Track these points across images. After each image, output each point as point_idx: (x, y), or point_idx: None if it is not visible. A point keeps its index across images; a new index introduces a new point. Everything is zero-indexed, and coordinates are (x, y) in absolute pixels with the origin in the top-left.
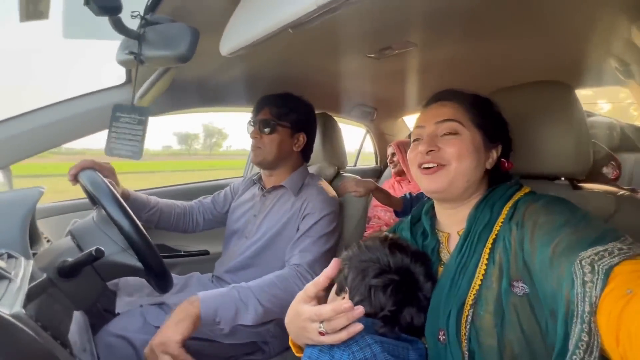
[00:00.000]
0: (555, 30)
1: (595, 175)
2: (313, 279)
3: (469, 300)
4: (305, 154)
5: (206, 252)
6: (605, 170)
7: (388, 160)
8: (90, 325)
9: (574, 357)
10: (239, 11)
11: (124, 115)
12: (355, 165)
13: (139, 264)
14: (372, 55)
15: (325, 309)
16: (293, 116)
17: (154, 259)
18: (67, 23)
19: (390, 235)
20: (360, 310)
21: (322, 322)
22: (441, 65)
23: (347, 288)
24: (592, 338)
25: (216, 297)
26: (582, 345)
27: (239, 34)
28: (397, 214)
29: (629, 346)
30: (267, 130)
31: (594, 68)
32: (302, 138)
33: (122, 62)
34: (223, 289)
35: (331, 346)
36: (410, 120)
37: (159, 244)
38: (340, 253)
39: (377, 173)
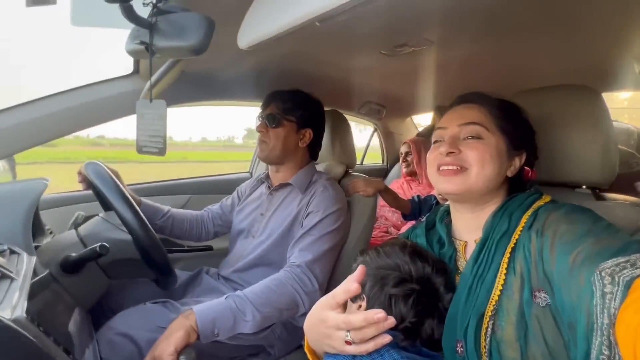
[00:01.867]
0: (580, 32)
1: (625, 186)
2: (311, 282)
3: (488, 311)
4: (313, 151)
5: (210, 248)
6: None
7: (401, 159)
8: (94, 324)
9: None
10: (259, 1)
11: (146, 112)
12: (361, 164)
13: (144, 265)
14: (386, 52)
15: (357, 318)
16: (300, 111)
17: (159, 255)
18: (75, 9)
19: (409, 241)
20: (392, 321)
21: (349, 330)
22: (456, 65)
23: (363, 296)
24: (613, 351)
25: (212, 308)
26: (604, 359)
27: (259, 26)
28: (404, 216)
29: None
30: (273, 124)
31: (617, 72)
32: (308, 134)
33: (132, 52)
34: (218, 300)
35: (353, 357)
36: (419, 119)
37: (163, 238)
38: (346, 253)
39: (384, 172)
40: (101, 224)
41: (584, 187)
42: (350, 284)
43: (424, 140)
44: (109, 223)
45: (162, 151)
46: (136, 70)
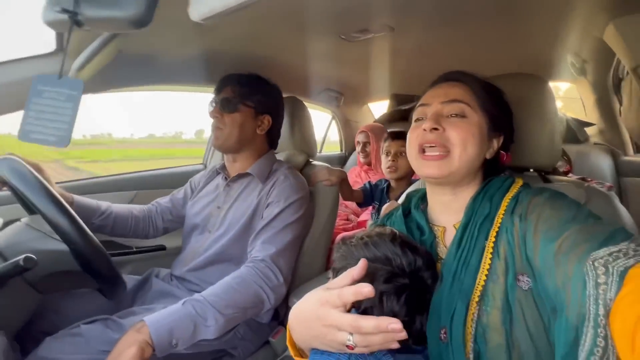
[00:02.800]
0: (527, 22)
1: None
2: (276, 275)
3: (475, 296)
4: (272, 140)
5: (162, 248)
6: (559, 163)
7: (359, 150)
8: (23, 352)
9: None
10: None
11: (48, 89)
12: (320, 152)
13: (83, 274)
14: (345, 37)
15: (367, 324)
16: (258, 96)
17: (101, 260)
18: None
19: (398, 231)
20: (404, 334)
21: (351, 333)
22: (412, 53)
23: None
24: (608, 342)
25: (167, 317)
26: (599, 351)
27: None
28: (359, 205)
29: None
30: (228, 109)
31: (557, 63)
32: (267, 120)
33: (52, 24)
34: (174, 307)
35: (348, 355)
36: (375, 107)
37: (106, 240)
38: (310, 243)
39: (342, 160)
40: (25, 232)
41: (531, 170)
42: (362, 287)
43: (381, 126)
44: (34, 230)
45: (62, 140)
46: (60, 48)
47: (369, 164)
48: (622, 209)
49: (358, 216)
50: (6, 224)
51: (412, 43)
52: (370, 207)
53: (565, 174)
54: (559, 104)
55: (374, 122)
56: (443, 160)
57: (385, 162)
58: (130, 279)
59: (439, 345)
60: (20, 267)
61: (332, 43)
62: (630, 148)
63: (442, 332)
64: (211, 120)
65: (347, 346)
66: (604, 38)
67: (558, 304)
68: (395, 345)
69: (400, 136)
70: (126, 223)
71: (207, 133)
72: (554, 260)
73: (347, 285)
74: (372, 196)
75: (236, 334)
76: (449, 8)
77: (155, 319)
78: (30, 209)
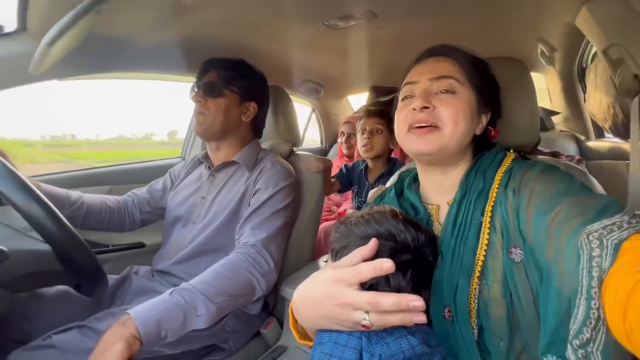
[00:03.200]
0: (507, 12)
1: None
2: (267, 261)
3: (476, 272)
4: (257, 128)
5: (141, 245)
6: None
7: (343, 140)
8: None
9: (581, 335)
10: None
11: None
12: (300, 145)
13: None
14: (329, 24)
15: (387, 301)
16: (243, 82)
17: (81, 252)
18: None
19: (397, 209)
20: (423, 318)
21: (367, 312)
22: (393, 43)
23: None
24: (601, 314)
25: (153, 308)
26: (591, 323)
27: None
28: (340, 192)
29: (636, 322)
30: (213, 93)
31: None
32: (252, 108)
33: None
34: (161, 297)
35: (360, 333)
36: (354, 100)
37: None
38: (299, 231)
39: (323, 153)
40: None
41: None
42: (384, 262)
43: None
44: (5, 226)
45: None
46: (22, 27)
47: (351, 156)
48: (597, 184)
49: (339, 206)
50: None
51: (394, 32)
52: (350, 194)
53: None
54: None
55: (354, 114)
56: (433, 133)
57: (360, 140)
58: (108, 279)
59: (443, 324)
60: None
61: (315, 30)
62: (592, 134)
63: (446, 310)
64: (186, 119)
65: (363, 325)
66: (576, 22)
67: (546, 275)
68: (412, 323)
69: (376, 114)
70: (99, 214)
71: (181, 134)
72: (547, 233)
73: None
74: (349, 180)
75: (225, 327)
76: None
77: (141, 311)
78: None
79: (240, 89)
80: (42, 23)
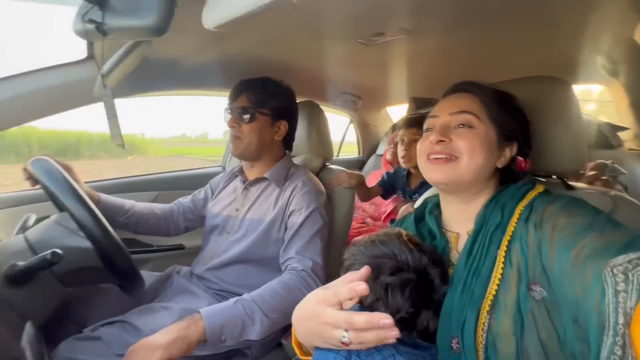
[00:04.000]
0: (551, 24)
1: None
2: (317, 283)
3: (486, 305)
4: (288, 143)
5: (181, 247)
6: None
7: (391, 146)
8: (51, 340)
9: None
10: None
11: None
12: (337, 156)
13: (105, 270)
14: (363, 41)
15: (359, 319)
16: (273, 103)
17: (122, 257)
18: None
19: (405, 230)
20: (396, 332)
21: (346, 330)
22: (431, 56)
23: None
24: (626, 352)
25: (220, 313)
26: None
27: (228, 3)
28: (384, 197)
29: None
30: (246, 118)
31: (585, 65)
32: (283, 126)
33: (81, 33)
34: (226, 304)
35: (349, 352)
36: (394, 110)
37: (128, 238)
38: (332, 247)
39: (360, 164)
40: (54, 228)
41: (554, 177)
42: (357, 284)
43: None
44: (63, 227)
45: (116, 139)
46: (90, 55)
47: (394, 164)
48: None
49: (375, 220)
50: (38, 220)
51: (431, 46)
52: (392, 201)
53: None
54: (592, 106)
55: (392, 127)
56: (449, 164)
57: (399, 150)
58: (151, 276)
59: (450, 355)
60: (47, 261)
61: (349, 47)
62: None
63: (453, 341)
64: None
65: (343, 343)
66: (636, 37)
67: (581, 314)
68: (391, 341)
69: (414, 124)
70: (148, 221)
71: None
72: (572, 269)
73: (360, 289)
74: (392, 186)
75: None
76: (468, 10)
77: (210, 314)
78: (60, 206)
79: (271, 109)
80: (105, 52)
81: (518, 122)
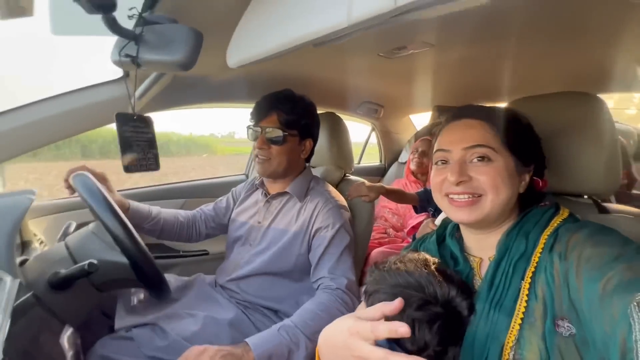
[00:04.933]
0: (580, 35)
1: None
2: (352, 300)
3: (509, 341)
4: (308, 157)
5: (206, 253)
6: None
7: (415, 156)
8: (89, 332)
9: None
10: (249, 17)
11: (128, 129)
12: (359, 163)
13: (135, 278)
14: (384, 55)
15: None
16: (301, 122)
17: (150, 268)
18: (55, 18)
19: (432, 258)
20: None
21: None
22: (455, 66)
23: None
24: None
25: (267, 342)
26: None
27: (249, 44)
28: (415, 209)
29: None
30: (277, 140)
31: (618, 74)
32: (308, 144)
33: (117, 63)
34: (270, 332)
35: None
36: (416, 118)
37: (157, 243)
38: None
39: (382, 171)
40: (92, 240)
41: (585, 197)
42: (399, 325)
43: None
44: (99, 239)
45: (154, 165)
46: (126, 74)
47: (418, 175)
48: None
49: (397, 231)
50: (79, 226)
51: (454, 57)
52: (422, 216)
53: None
54: (632, 111)
55: (416, 134)
56: (474, 205)
57: (413, 159)
58: (177, 279)
59: None
60: (85, 271)
61: (371, 60)
62: None
63: None
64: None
65: None
66: None
67: (607, 353)
68: None
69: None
70: (172, 228)
71: None
72: (600, 303)
73: (377, 318)
74: (428, 201)
75: None
76: (492, 24)
77: (258, 344)
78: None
79: (299, 129)
80: (140, 71)
81: (532, 144)
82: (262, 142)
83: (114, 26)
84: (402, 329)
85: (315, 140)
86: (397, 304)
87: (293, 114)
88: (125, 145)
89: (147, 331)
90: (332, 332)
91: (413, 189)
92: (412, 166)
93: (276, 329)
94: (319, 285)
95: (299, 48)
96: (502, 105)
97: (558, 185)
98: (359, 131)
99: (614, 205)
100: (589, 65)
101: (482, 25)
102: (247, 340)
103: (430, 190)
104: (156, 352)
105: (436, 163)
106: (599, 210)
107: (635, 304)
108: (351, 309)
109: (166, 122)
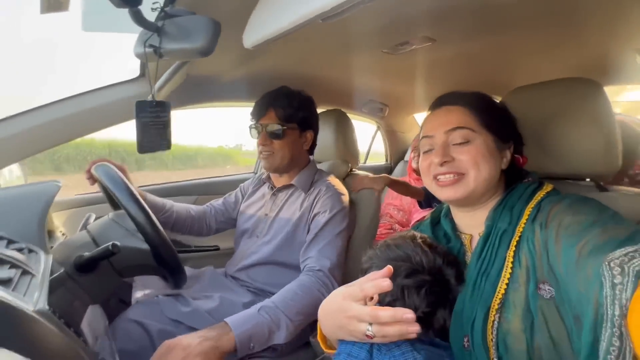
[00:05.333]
0: (578, 25)
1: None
2: (332, 283)
3: (495, 304)
4: (311, 149)
5: (217, 248)
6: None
7: (416, 155)
8: (108, 314)
9: None
10: (263, 2)
11: (146, 114)
12: (365, 163)
13: (154, 264)
14: (388, 51)
15: (385, 314)
16: (300, 115)
17: (169, 253)
18: (86, 15)
19: (419, 233)
20: (417, 328)
21: (370, 324)
22: (459, 61)
23: None
24: (624, 343)
25: (247, 322)
26: (614, 351)
27: (264, 25)
28: (420, 204)
29: None
30: (277, 135)
31: (618, 65)
32: (309, 136)
33: (140, 55)
34: (251, 313)
35: (371, 345)
36: (420, 118)
37: (171, 239)
38: (353, 250)
39: (388, 171)
40: (113, 227)
41: (587, 179)
42: (382, 281)
43: None
44: (119, 226)
45: (166, 145)
46: (142, 74)
47: (418, 172)
48: None
49: (403, 227)
50: (97, 219)
51: (456, 52)
52: (428, 210)
53: None
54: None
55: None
56: (458, 183)
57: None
58: (189, 270)
59: (462, 352)
60: (109, 251)
61: (375, 57)
62: None
63: (465, 339)
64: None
65: (367, 335)
66: None
67: (580, 310)
68: (412, 336)
69: None
70: (184, 221)
71: None
72: (576, 265)
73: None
74: (432, 197)
75: None
76: (489, 16)
77: (238, 324)
78: (116, 205)
79: (298, 122)
80: (156, 71)
81: (507, 122)
82: (264, 138)
83: (139, 19)
84: (385, 282)
85: (315, 132)
86: (385, 271)
87: (290, 108)
88: (143, 128)
89: (170, 299)
90: (329, 301)
91: (416, 185)
92: (414, 164)
93: (256, 310)
94: (304, 266)
95: (308, 24)
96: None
97: (559, 169)
98: (364, 134)
99: (615, 187)
100: (589, 55)
101: (480, 18)
102: (226, 320)
103: None
104: (179, 317)
105: (424, 152)
106: (600, 190)
107: (606, 263)
108: (329, 291)
109: (198, 135)
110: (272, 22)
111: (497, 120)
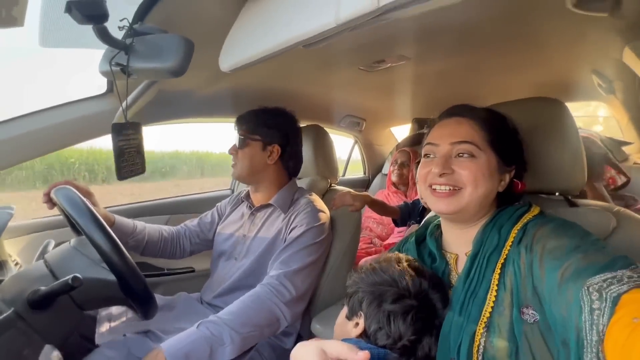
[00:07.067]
0: (543, 48)
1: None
2: (289, 291)
3: (480, 328)
4: (289, 168)
5: (191, 270)
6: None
7: (395, 167)
8: (67, 357)
9: None
10: (240, 23)
11: (122, 137)
12: (343, 176)
13: (122, 295)
14: (364, 68)
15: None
16: (263, 129)
17: (138, 284)
18: (44, 30)
19: (405, 256)
20: None
21: None
22: (431, 79)
23: (361, 313)
24: None
25: (182, 341)
26: None
27: (242, 48)
28: (395, 222)
29: None
30: (240, 145)
31: (580, 83)
32: (276, 150)
33: (106, 74)
34: (189, 331)
35: None
36: (397, 131)
37: (141, 262)
38: (332, 267)
39: (366, 183)
40: (74, 255)
41: (557, 194)
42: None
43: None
44: (82, 255)
45: (141, 169)
46: (110, 89)
47: (399, 185)
48: None
49: (382, 240)
50: (57, 245)
51: (430, 70)
52: (404, 228)
53: (622, 187)
54: (599, 127)
55: (397, 146)
56: (453, 196)
57: (394, 170)
58: (161, 299)
59: None
60: (69, 285)
61: (352, 74)
62: None
63: None
64: None
65: None
66: (624, 60)
67: (566, 335)
68: None
69: (411, 144)
70: (156, 244)
71: None
72: (558, 289)
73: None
74: (408, 214)
75: (260, 355)
76: (462, 37)
77: (171, 344)
78: (78, 231)
79: (262, 135)
80: (126, 88)
81: (515, 145)
82: (232, 149)
83: (104, 36)
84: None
85: (287, 147)
86: (364, 354)
87: (252, 123)
88: (120, 154)
89: (139, 337)
90: (300, 354)
91: (395, 199)
92: (393, 177)
93: (195, 326)
94: (268, 274)
95: (289, 49)
96: None
97: (530, 184)
98: (343, 146)
99: (583, 200)
100: (553, 75)
101: (453, 39)
102: (161, 345)
103: (412, 204)
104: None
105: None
106: (569, 205)
107: (585, 288)
108: (285, 299)
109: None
110: (250, 46)
111: (504, 142)
